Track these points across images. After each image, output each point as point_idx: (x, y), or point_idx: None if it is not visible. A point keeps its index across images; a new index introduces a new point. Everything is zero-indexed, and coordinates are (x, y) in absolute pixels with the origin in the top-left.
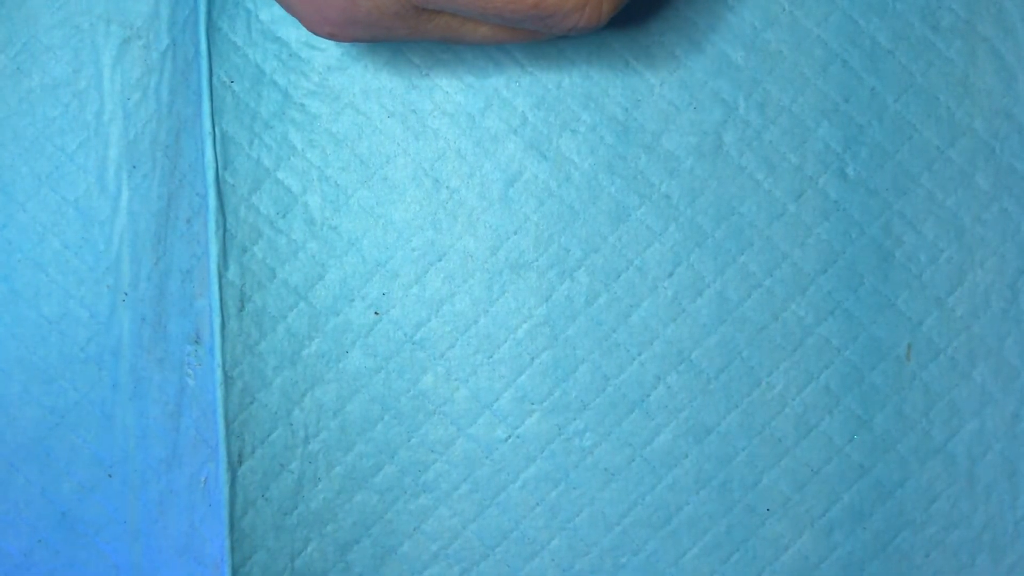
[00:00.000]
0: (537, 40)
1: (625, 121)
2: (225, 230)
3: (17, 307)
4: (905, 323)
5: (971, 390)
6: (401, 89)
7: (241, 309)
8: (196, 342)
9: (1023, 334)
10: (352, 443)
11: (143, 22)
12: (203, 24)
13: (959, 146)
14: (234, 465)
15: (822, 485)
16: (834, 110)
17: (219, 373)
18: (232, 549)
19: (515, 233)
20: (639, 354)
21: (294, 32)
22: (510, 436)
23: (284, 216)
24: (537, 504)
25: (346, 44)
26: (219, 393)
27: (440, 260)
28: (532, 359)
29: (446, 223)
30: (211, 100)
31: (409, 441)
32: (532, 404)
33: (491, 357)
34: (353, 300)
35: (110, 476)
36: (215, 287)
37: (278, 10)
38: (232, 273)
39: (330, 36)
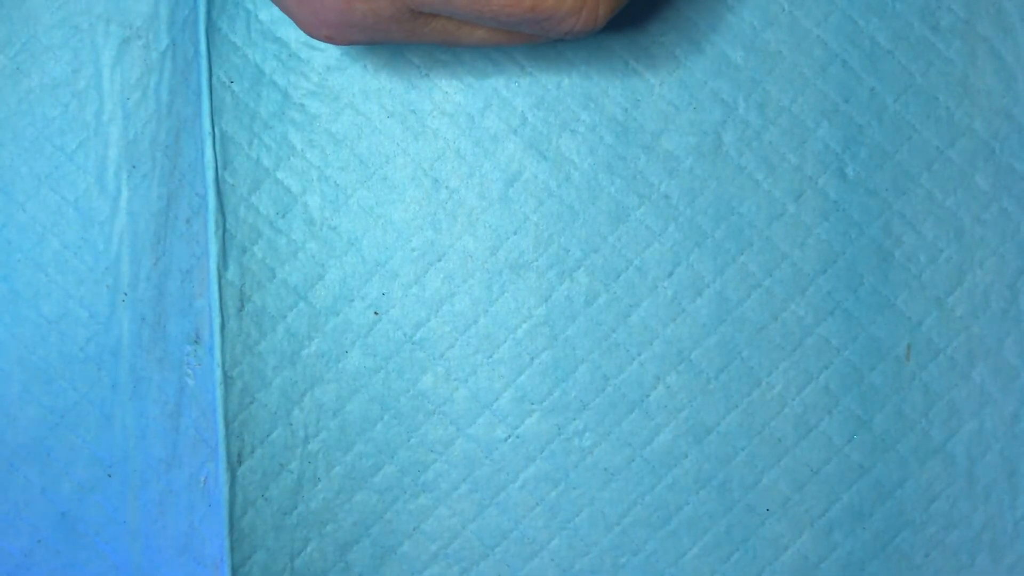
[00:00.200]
0: (534, 43)
1: (625, 121)
2: (225, 230)
3: (17, 307)
4: (905, 323)
5: (970, 390)
6: (401, 89)
7: (241, 309)
8: (196, 342)
9: (1023, 334)
10: (352, 443)
11: (143, 22)
12: (203, 24)
13: (959, 146)
14: (234, 465)
15: (822, 485)
16: (834, 110)
17: (219, 373)
18: (232, 549)
19: (515, 233)
20: (639, 354)
21: (294, 32)
22: (510, 436)
23: (284, 216)
24: (537, 504)
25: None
26: (219, 393)
27: (440, 260)
28: (532, 359)
29: (446, 223)
30: (211, 100)
31: (409, 441)
32: (532, 404)
33: (491, 357)
34: (353, 300)
35: (110, 476)
36: (215, 287)
37: (278, 10)
38: (232, 273)
39: (327, 39)
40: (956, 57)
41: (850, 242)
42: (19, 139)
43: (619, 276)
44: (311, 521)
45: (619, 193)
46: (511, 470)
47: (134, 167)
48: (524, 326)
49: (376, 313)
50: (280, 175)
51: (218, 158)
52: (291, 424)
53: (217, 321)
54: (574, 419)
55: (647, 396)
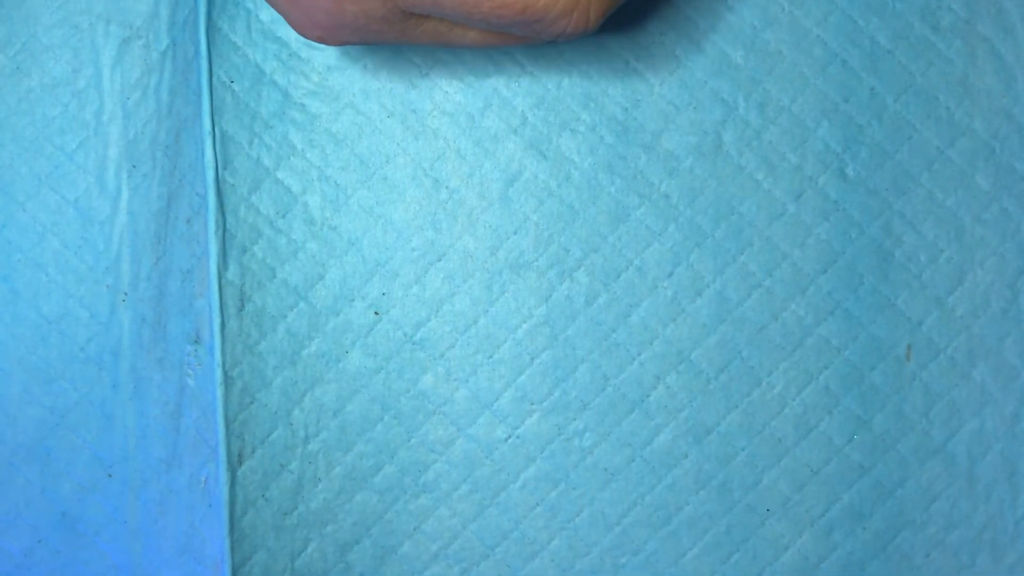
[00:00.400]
0: (527, 43)
1: (625, 121)
2: (225, 230)
3: (17, 307)
4: (905, 323)
5: (971, 390)
6: (401, 89)
7: (241, 309)
8: (196, 342)
9: (1023, 334)
10: (352, 443)
11: (143, 22)
12: (203, 24)
13: (959, 146)
14: (234, 465)
15: (822, 485)
16: (834, 110)
17: (219, 373)
18: (232, 549)
19: (515, 233)
20: (639, 354)
21: (294, 32)
22: (510, 436)
23: (284, 216)
24: (537, 504)
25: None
26: (219, 393)
27: (440, 260)
28: (532, 359)
29: (446, 223)
30: (211, 100)
31: (409, 441)
32: (532, 404)
33: (491, 357)
34: (353, 300)
35: (110, 476)
36: (215, 287)
37: None
38: (232, 273)
39: (319, 39)
40: (956, 57)
41: (850, 242)
42: (19, 139)
43: (619, 276)
44: (311, 521)
45: (619, 193)
46: (511, 470)
47: (134, 167)
48: (524, 326)
49: (376, 313)
50: (280, 175)
51: (218, 158)
52: (291, 424)
53: (217, 321)
54: (574, 419)
55: (647, 396)
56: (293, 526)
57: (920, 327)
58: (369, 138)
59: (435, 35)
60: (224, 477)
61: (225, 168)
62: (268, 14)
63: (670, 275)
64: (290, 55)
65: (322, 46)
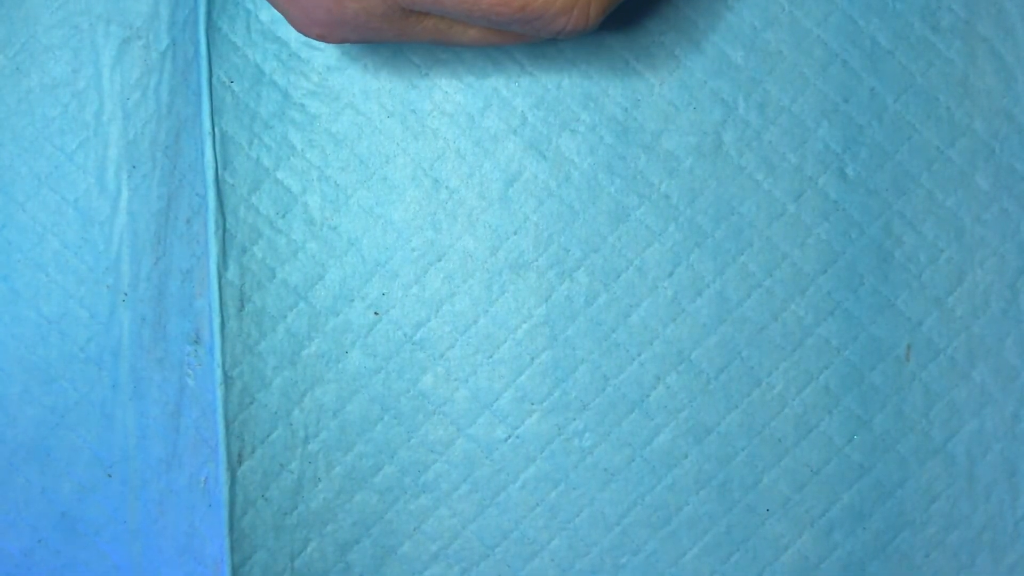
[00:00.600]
0: (531, 42)
1: (625, 121)
2: (225, 230)
3: (17, 307)
4: (905, 323)
5: (971, 390)
6: (401, 89)
7: (241, 309)
8: (196, 342)
9: (1023, 334)
10: (352, 443)
11: (143, 22)
12: (203, 24)
13: (959, 146)
14: (234, 465)
15: (822, 485)
16: (834, 110)
17: (219, 373)
18: (232, 549)
19: (515, 233)
20: (639, 354)
21: (294, 32)
22: (510, 436)
23: (284, 216)
24: (537, 504)
25: (346, 44)
26: (219, 393)
27: (440, 260)
28: (532, 359)
29: (446, 223)
30: (211, 100)
31: (409, 441)
32: (532, 404)
33: (491, 357)
34: (353, 300)
35: (110, 476)
36: (215, 287)
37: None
38: (232, 273)
39: (319, 37)
40: (956, 57)
41: (850, 242)
42: (19, 139)
43: (619, 276)
44: (311, 521)
45: (619, 193)
46: (511, 470)
47: (134, 167)
48: (524, 326)
49: (376, 313)
50: (280, 175)
51: (218, 158)
52: (291, 424)
53: (217, 321)
54: (574, 419)
55: (647, 396)
56: (293, 526)
57: (920, 327)
58: (369, 138)
59: (435, 33)
60: (224, 477)
61: (225, 168)
62: (268, 14)
63: (670, 275)
64: (290, 55)
65: (322, 46)
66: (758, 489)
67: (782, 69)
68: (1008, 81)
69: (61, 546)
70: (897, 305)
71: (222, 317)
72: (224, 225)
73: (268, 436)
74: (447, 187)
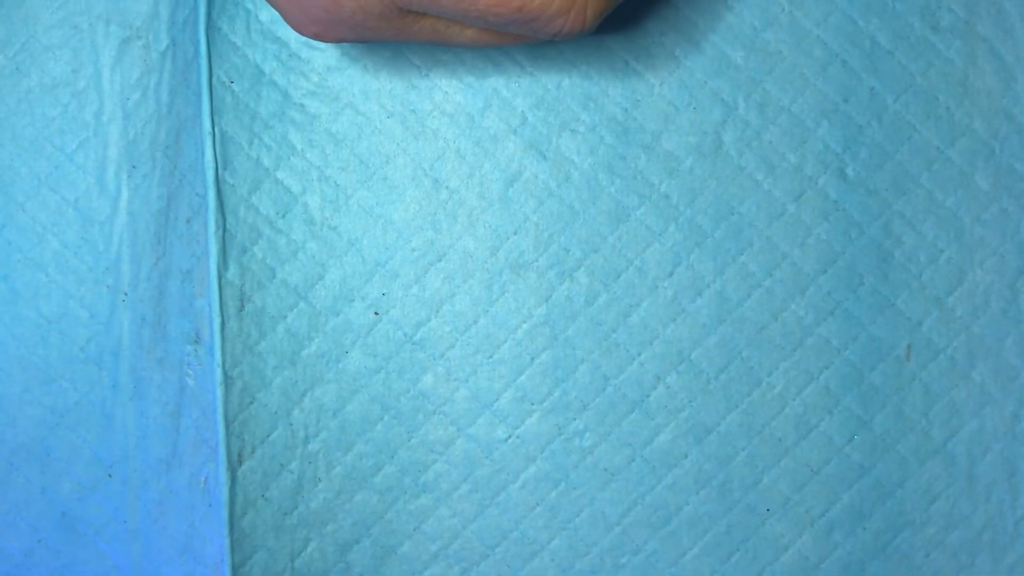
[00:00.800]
0: (528, 43)
1: (625, 121)
2: (225, 230)
3: (17, 307)
4: (905, 323)
5: (971, 390)
6: (401, 89)
7: (241, 309)
8: (196, 342)
9: (1023, 334)
10: (352, 443)
11: (143, 22)
12: (203, 24)
13: (959, 146)
14: (234, 465)
15: (822, 485)
16: (834, 110)
17: (219, 373)
18: (232, 549)
19: (515, 233)
20: (639, 354)
21: (294, 32)
22: (510, 436)
23: (284, 216)
24: (537, 504)
25: (346, 44)
26: (219, 393)
27: (440, 260)
28: (532, 359)
29: (446, 223)
30: (211, 100)
31: (409, 441)
32: (532, 404)
33: (491, 357)
34: (353, 300)
35: (110, 476)
36: (215, 287)
37: None
38: (232, 273)
39: (316, 36)
40: (956, 57)
41: (850, 242)
42: (19, 139)
43: (619, 276)
44: (311, 521)
45: (619, 193)
46: (511, 470)
47: (134, 167)
48: (524, 326)
49: (376, 313)
50: (280, 175)
51: (218, 158)
52: (291, 424)
53: (217, 321)
54: (574, 419)
55: (647, 396)
56: (293, 526)
57: (920, 327)
58: (369, 138)
59: (432, 33)
60: (224, 477)
61: (225, 168)
62: (268, 14)
63: (670, 275)
64: (290, 55)
65: (322, 46)
66: (758, 489)
67: (782, 69)
68: (1008, 81)
69: (61, 546)
70: (897, 305)
71: (222, 317)
72: (224, 225)
73: (268, 436)
74: (447, 187)
